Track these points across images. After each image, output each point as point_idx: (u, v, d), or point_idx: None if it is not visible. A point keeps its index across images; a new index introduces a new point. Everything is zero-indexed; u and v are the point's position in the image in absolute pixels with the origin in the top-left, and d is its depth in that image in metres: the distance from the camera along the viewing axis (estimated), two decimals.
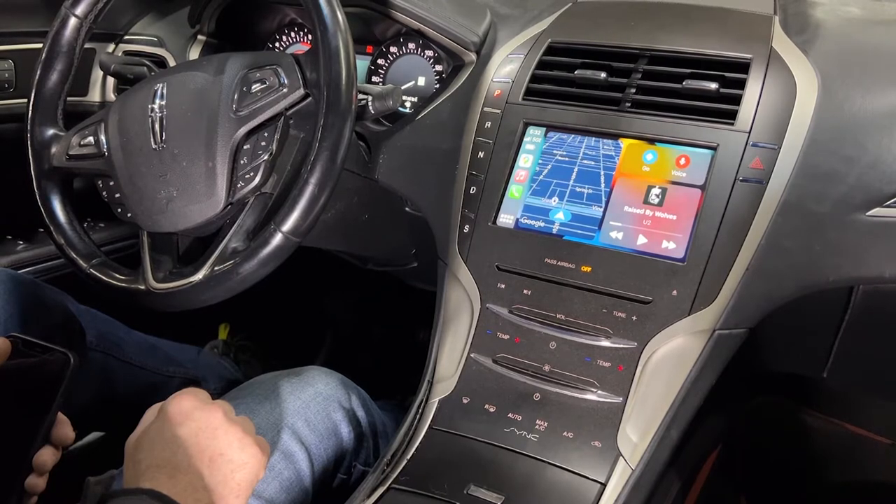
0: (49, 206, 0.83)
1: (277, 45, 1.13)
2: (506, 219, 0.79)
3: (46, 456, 0.57)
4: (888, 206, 0.67)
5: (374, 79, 1.06)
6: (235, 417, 0.64)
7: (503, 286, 0.76)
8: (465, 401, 0.72)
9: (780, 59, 0.76)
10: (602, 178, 0.77)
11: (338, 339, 1.46)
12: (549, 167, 0.79)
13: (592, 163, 0.78)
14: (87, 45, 0.85)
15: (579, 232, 0.76)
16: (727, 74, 0.76)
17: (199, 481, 0.59)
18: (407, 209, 0.93)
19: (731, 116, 0.73)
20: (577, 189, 0.77)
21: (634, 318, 0.70)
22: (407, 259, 1.07)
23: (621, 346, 0.70)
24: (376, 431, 0.83)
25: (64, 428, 0.59)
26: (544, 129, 0.81)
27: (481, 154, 0.83)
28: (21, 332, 0.59)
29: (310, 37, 1.10)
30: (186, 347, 1.18)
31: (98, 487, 0.62)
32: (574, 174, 0.78)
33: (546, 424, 0.69)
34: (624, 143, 0.77)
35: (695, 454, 0.97)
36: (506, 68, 0.86)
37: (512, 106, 0.83)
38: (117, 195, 0.83)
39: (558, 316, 0.73)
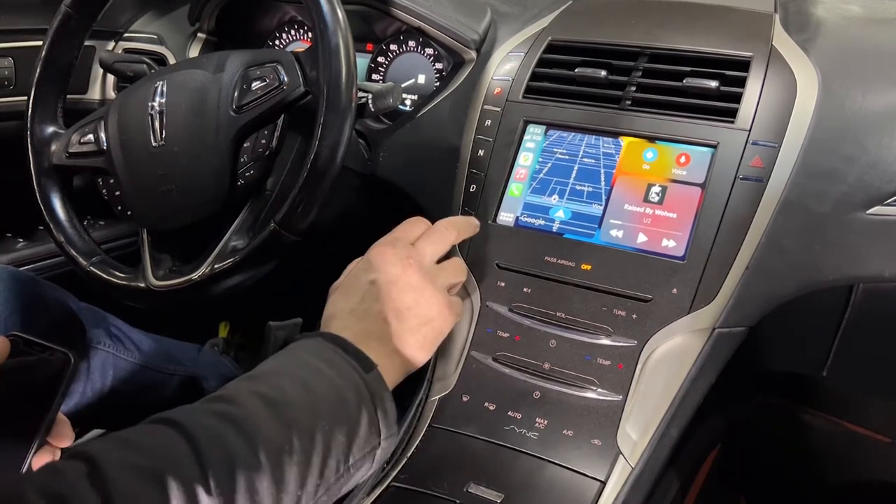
0: (49, 204, 0.83)
1: (277, 42, 1.13)
2: (506, 217, 0.79)
3: (45, 456, 0.57)
4: (888, 205, 0.67)
5: (375, 77, 1.06)
6: (433, 272, 0.66)
7: (503, 284, 0.76)
8: (464, 399, 0.72)
9: (781, 57, 0.76)
10: (602, 177, 0.77)
11: None
12: (549, 165, 0.79)
13: (592, 161, 0.78)
14: (86, 43, 0.86)
15: (579, 230, 0.76)
16: (727, 73, 0.76)
17: (385, 329, 0.62)
18: (406, 208, 0.93)
19: (732, 115, 0.73)
20: (578, 187, 0.77)
21: (634, 316, 0.70)
22: None
23: (621, 344, 0.70)
24: None
25: (63, 428, 0.59)
26: (544, 127, 0.81)
27: (481, 152, 0.83)
28: (22, 329, 0.59)
29: (310, 34, 1.10)
30: (187, 345, 1.18)
31: (280, 332, 0.64)
32: (574, 172, 0.78)
33: (546, 422, 0.69)
34: (624, 141, 0.77)
35: (694, 452, 0.97)
36: (506, 66, 0.86)
37: (512, 104, 0.83)
38: (117, 193, 0.83)
39: (558, 314, 0.73)
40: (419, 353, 0.63)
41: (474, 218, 0.77)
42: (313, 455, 0.51)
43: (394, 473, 0.67)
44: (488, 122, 0.83)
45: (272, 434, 0.50)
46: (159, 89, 0.77)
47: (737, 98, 0.74)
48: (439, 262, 0.69)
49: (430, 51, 1.02)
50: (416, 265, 0.65)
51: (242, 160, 0.77)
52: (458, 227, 0.72)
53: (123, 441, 0.48)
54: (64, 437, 0.58)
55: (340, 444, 0.53)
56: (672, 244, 0.72)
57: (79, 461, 0.45)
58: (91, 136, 0.81)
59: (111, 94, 1.14)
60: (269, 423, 0.51)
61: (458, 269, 0.71)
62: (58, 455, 0.58)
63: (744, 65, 0.76)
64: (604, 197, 0.76)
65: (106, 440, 0.47)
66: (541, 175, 0.79)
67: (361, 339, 0.60)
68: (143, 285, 0.77)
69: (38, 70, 0.83)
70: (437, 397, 0.73)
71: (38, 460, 0.56)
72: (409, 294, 0.63)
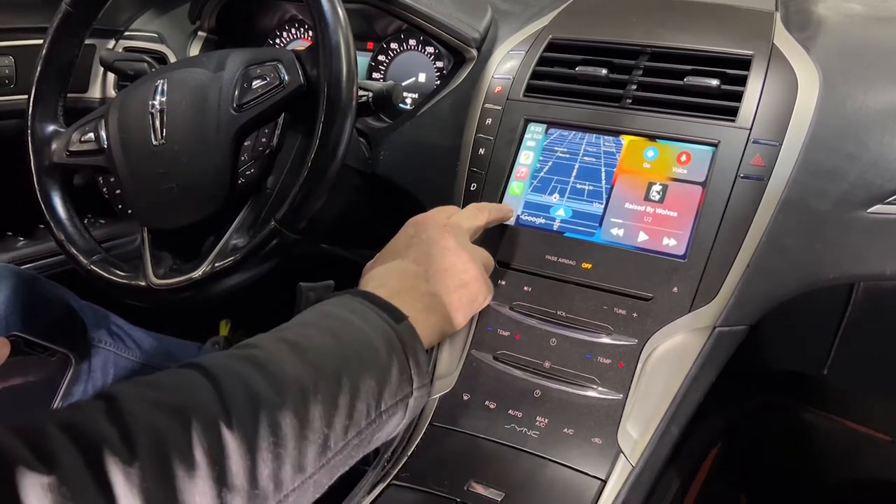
0: (49, 203, 0.83)
1: (278, 41, 1.13)
2: None
3: None
4: (889, 203, 0.67)
5: (375, 75, 1.06)
6: (468, 244, 0.67)
7: (504, 283, 0.76)
8: (465, 397, 0.72)
9: (782, 55, 0.75)
10: (603, 175, 0.77)
11: None
12: (549, 164, 0.79)
13: (593, 159, 0.78)
14: (87, 42, 0.86)
15: (580, 229, 0.76)
16: (728, 71, 0.76)
17: (420, 286, 0.62)
18: (407, 206, 0.93)
19: (733, 113, 0.73)
20: (578, 186, 0.77)
21: (635, 314, 0.70)
22: None
23: (622, 342, 0.70)
24: None
25: None
26: (545, 125, 0.81)
27: (482, 151, 0.83)
28: (23, 327, 0.59)
29: (310, 33, 1.10)
30: (188, 344, 1.18)
31: (312, 293, 0.64)
32: (575, 171, 0.78)
33: (546, 421, 0.69)
34: (625, 139, 0.77)
35: (695, 451, 0.97)
36: (507, 65, 0.86)
37: (513, 102, 0.83)
38: (118, 191, 0.83)
39: (559, 313, 0.73)
40: (455, 314, 0.63)
41: (508, 205, 0.78)
42: (340, 396, 0.51)
43: (394, 472, 0.67)
44: (489, 121, 0.83)
45: (296, 374, 0.50)
46: (160, 88, 0.77)
47: (738, 97, 0.74)
48: None
49: (430, 49, 1.02)
50: (453, 232, 0.66)
51: (243, 158, 0.77)
52: (490, 209, 0.73)
53: (145, 381, 0.48)
54: None
55: (370, 389, 0.53)
56: (673, 243, 0.72)
57: (99, 399, 0.45)
58: (91, 135, 0.81)
59: (112, 92, 1.14)
60: (294, 365, 0.50)
61: (487, 255, 0.71)
62: None
63: (745, 63, 0.76)
64: (604, 196, 0.76)
65: (128, 382, 0.47)
66: (541, 174, 0.79)
67: (395, 295, 0.60)
68: (143, 284, 0.77)
69: (38, 69, 0.83)
70: (437, 396, 0.73)
71: None
72: (447, 256, 0.64)
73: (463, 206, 0.81)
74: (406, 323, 0.58)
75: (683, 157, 0.74)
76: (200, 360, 0.50)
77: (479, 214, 0.71)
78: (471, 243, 0.69)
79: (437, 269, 0.63)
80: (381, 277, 0.63)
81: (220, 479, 0.44)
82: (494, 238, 0.78)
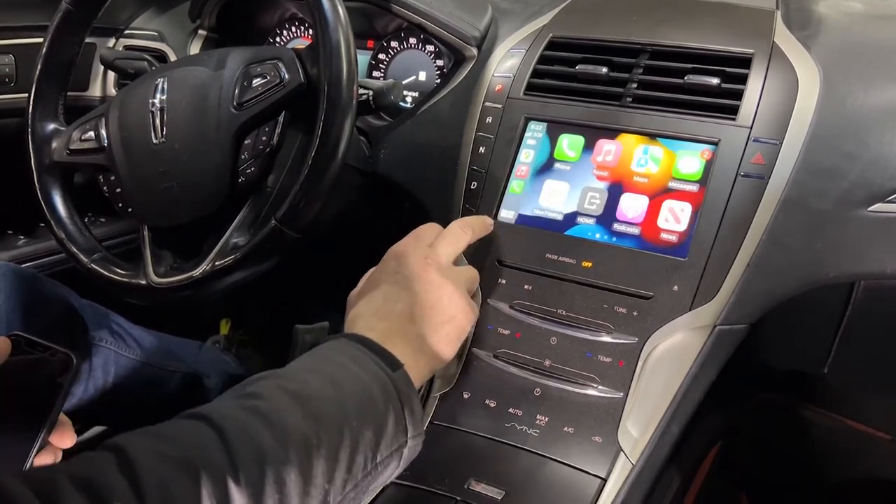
0: (50, 201, 0.83)
1: (278, 39, 1.13)
2: (507, 214, 0.79)
3: (47, 457, 0.57)
4: (890, 202, 0.67)
5: (375, 74, 1.06)
6: (451, 272, 0.66)
7: (504, 281, 0.76)
8: (465, 396, 0.72)
9: (782, 54, 0.75)
10: (603, 174, 0.77)
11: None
12: (550, 162, 0.79)
13: (594, 158, 0.78)
14: (87, 40, 0.86)
15: (580, 227, 0.76)
16: (729, 70, 0.76)
17: (409, 328, 0.62)
18: (407, 204, 0.93)
19: (733, 112, 0.73)
20: (579, 184, 0.77)
21: (635, 313, 0.70)
22: None
23: (622, 341, 0.70)
24: None
25: (65, 428, 0.59)
26: (545, 124, 0.81)
27: (482, 149, 0.82)
28: (23, 325, 0.59)
29: (311, 31, 1.10)
30: (188, 342, 1.18)
31: (308, 336, 0.64)
32: (575, 169, 0.78)
33: (547, 419, 0.69)
34: (625, 138, 0.77)
35: (695, 450, 0.97)
36: (507, 63, 0.86)
37: (513, 101, 0.83)
38: (118, 190, 0.83)
39: (559, 311, 0.73)
40: (444, 351, 0.63)
41: (488, 217, 0.77)
42: (340, 449, 0.51)
43: None
44: (489, 120, 0.83)
45: (299, 427, 0.50)
46: (160, 86, 0.77)
47: (738, 95, 0.74)
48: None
49: (431, 48, 1.02)
50: (435, 264, 0.65)
51: (243, 157, 0.77)
52: (472, 227, 0.72)
53: (151, 433, 0.48)
54: (66, 437, 0.58)
55: (368, 441, 0.53)
56: (673, 241, 0.72)
57: (107, 451, 0.45)
58: (92, 133, 0.81)
59: (112, 91, 1.14)
60: (297, 417, 0.50)
61: (472, 273, 0.71)
62: (59, 456, 0.58)
63: (745, 62, 0.76)
64: (605, 194, 0.76)
65: (133, 433, 0.47)
66: (542, 172, 0.79)
67: (386, 338, 0.60)
68: (143, 282, 0.77)
69: (38, 67, 0.83)
70: (438, 394, 0.73)
71: (40, 461, 0.56)
72: (431, 292, 0.63)
73: (463, 204, 0.82)
74: (401, 371, 0.58)
75: (684, 156, 0.74)
76: (205, 410, 0.50)
77: (461, 235, 0.71)
78: (454, 268, 0.68)
79: (423, 306, 0.63)
80: (368, 319, 0.63)
81: None
82: (495, 237, 0.78)
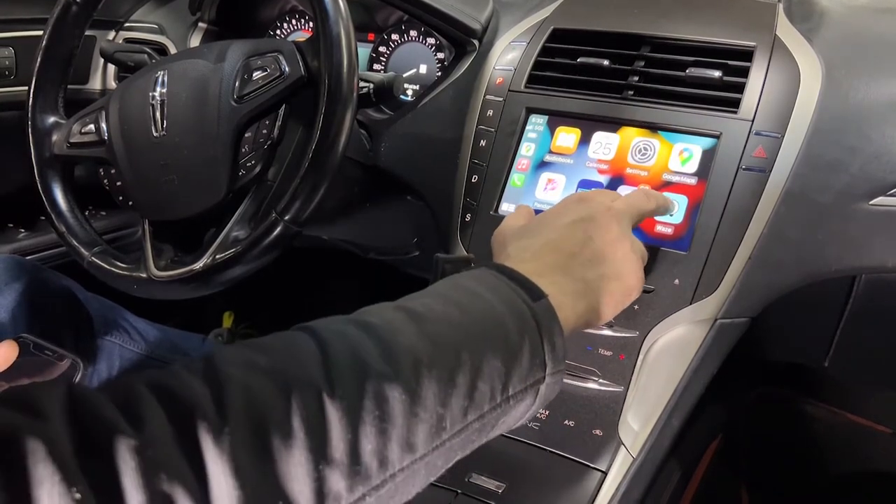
0: (50, 194, 0.83)
1: (279, 32, 1.13)
2: (507, 208, 0.79)
3: None
4: (891, 196, 0.67)
5: (376, 66, 1.06)
6: (630, 234, 0.60)
7: None
8: None
9: (784, 47, 0.75)
10: (604, 167, 0.77)
11: None
12: (551, 155, 0.79)
13: (595, 151, 0.77)
14: (87, 33, 0.85)
15: None
16: (730, 62, 0.75)
17: (574, 268, 0.56)
18: (408, 198, 0.93)
19: (735, 105, 0.73)
20: (580, 178, 0.77)
21: (636, 306, 0.70)
22: (409, 248, 1.07)
23: (623, 334, 0.70)
24: None
25: None
26: (546, 116, 0.81)
27: (483, 142, 0.82)
28: (28, 318, 0.58)
29: (311, 24, 1.10)
30: (191, 336, 1.18)
31: (449, 266, 0.60)
32: (576, 162, 0.78)
33: (547, 413, 0.69)
34: (626, 130, 0.77)
35: (696, 443, 0.97)
36: (508, 56, 0.86)
37: (514, 94, 0.83)
38: (118, 183, 0.83)
39: None
40: (605, 307, 0.56)
41: (673, 200, 0.72)
42: (458, 373, 0.46)
43: None
44: (490, 112, 0.83)
45: (410, 344, 0.45)
46: (160, 79, 0.76)
47: (740, 88, 0.74)
48: None
49: (431, 40, 1.02)
50: (618, 217, 0.59)
51: (244, 150, 0.77)
52: (657, 200, 0.66)
53: (247, 344, 0.45)
54: None
55: (496, 370, 0.47)
56: (670, 234, 0.72)
57: (199, 361, 0.43)
58: (92, 126, 0.81)
59: (112, 84, 1.14)
60: (409, 334, 0.46)
61: (643, 248, 0.64)
62: None
63: (747, 54, 0.75)
64: (606, 187, 0.76)
65: (231, 345, 0.45)
66: (543, 165, 0.79)
67: (543, 272, 0.54)
68: (144, 275, 0.77)
69: (38, 60, 0.83)
70: None
71: None
72: (608, 243, 0.58)
73: (464, 197, 0.82)
74: (544, 302, 0.51)
75: (685, 149, 0.74)
76: (312, 322, 0.47)
77: (646, 202, 0.64)
78: (632, 235, 0.62)
79: (596, 253, 0.57)
80: (526, 250, 0.57)
81: (318, 451, 0.40)
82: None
